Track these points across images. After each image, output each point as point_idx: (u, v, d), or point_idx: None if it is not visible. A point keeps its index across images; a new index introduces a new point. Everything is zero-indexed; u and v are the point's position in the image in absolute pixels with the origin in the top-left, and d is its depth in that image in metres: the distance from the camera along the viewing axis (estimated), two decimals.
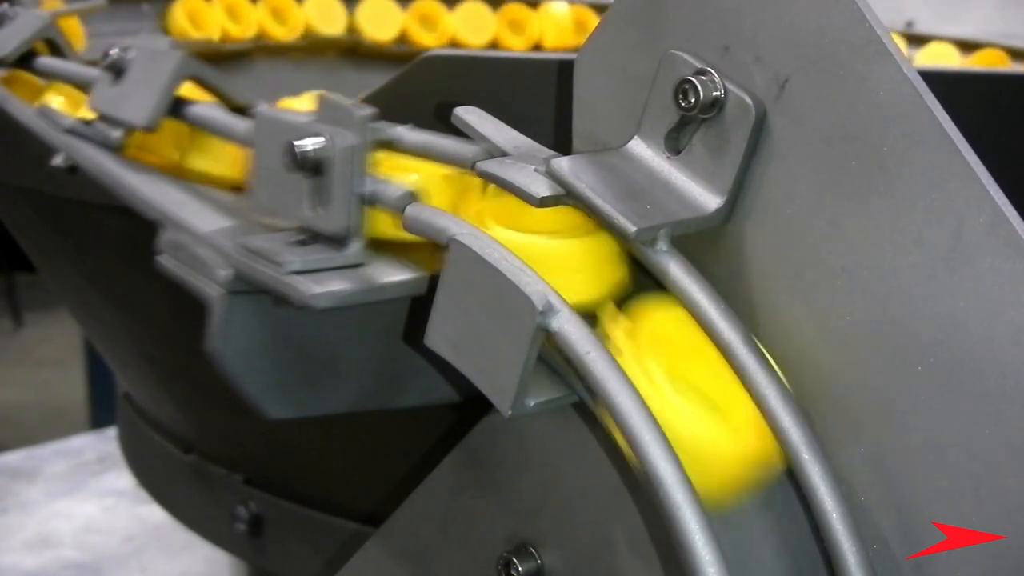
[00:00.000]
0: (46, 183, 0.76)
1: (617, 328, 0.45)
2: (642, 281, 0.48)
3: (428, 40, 1.53)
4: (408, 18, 1.55)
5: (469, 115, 0.52)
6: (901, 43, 1.37)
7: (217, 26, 1.40)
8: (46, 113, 0.70)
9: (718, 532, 0.41)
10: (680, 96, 0.46)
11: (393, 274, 0.51)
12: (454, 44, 1.54)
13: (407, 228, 0.48)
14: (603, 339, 0.44)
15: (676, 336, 0.45)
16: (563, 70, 0.57)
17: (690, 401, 0.44)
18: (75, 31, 1.14)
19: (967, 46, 1.37)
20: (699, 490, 0.41)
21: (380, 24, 1.54)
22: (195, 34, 1.39)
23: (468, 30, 1.56)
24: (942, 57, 1.35)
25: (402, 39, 1.54)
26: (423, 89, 0.64)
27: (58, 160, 0.66)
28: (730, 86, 0.45)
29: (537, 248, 0.46)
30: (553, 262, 0.45)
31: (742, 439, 0.44)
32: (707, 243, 0.47)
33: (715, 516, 0.41)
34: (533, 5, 1.60)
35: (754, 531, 0.45)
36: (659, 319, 0.46)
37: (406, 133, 0.54)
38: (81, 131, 0.67)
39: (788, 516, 0.45)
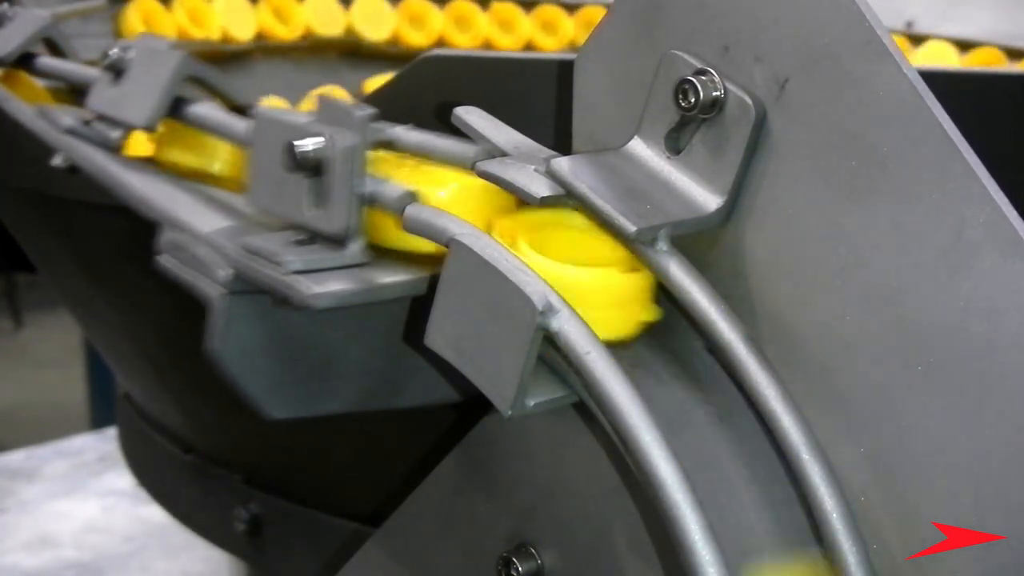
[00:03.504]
0: (46, 183, 0.76)
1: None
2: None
3: (419, 39, 1.53)
4: (399, 18, 1.54)
5: (469, 115, 0.52)
6: (902, 43, 1.37)
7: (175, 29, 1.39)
8: (46, 113, 0.70)
9: (717, 529, 0.41)
10: (680, 96, 0.46)
11: (393, 274, 0.51)
12: (443, 43, 1.54)
13: (407, 228, 0.48)
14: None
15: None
16: (563, 70, 0.57)
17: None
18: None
19: (968, 46, 1.37)
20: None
21: (375, 24, 1.53)
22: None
23: (457, 30, 1.56)
24: (940, 56, 1.35)
25: (394, 39, 1.54)
26: (423, 89, 0.64)
27: (58, 160, 0.66)
28: (730, 86, 0.45)
29: (569, 279, 0.45)
30: (586, 295, 0.45)
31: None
32: (707, 243, 0.47)
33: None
34: (527, 6, 1.60)
35: (756, 532, 0.45)
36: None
37: (406, 133, 0.55)
38: (80, 131, 0.67)
39: (788, 516, 0.45)
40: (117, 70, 0.66)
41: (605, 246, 0.47)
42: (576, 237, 0.47)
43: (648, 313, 0.47)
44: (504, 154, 0.50)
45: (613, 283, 0.46)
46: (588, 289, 0.45)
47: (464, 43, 1.54)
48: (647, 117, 0.47)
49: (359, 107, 0.51)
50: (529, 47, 1.57)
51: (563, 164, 0.47)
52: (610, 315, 0.46)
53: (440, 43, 1.53)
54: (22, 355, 3.35)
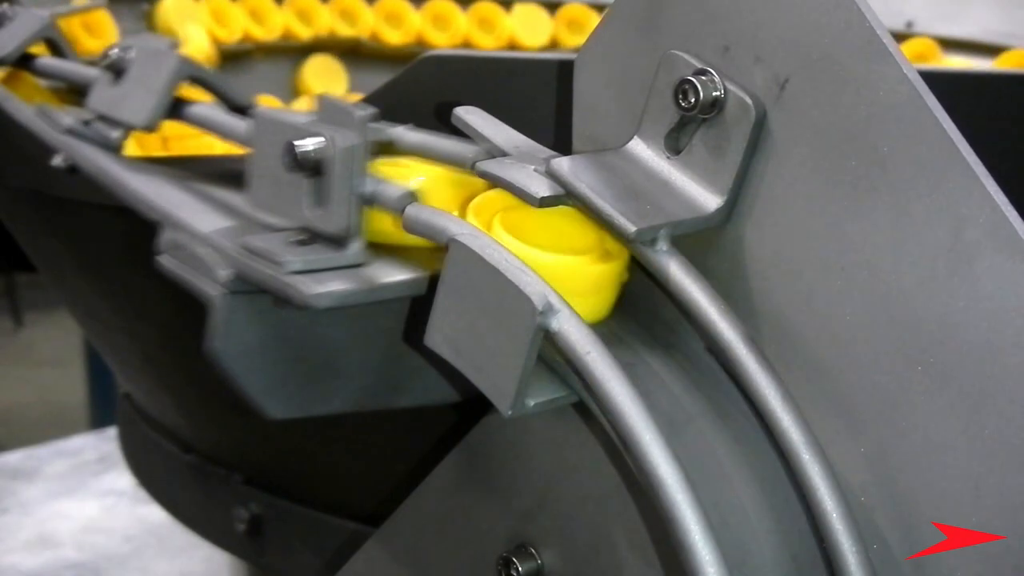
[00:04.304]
0: (46, 183, 0.76)
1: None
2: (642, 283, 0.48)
3: (441, 40, 1.53)
4: (422, 19, 1.55)
5: (469, 115, 0.52)
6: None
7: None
8: (46, 113, 0.70)
9: (717, 529, 0.41)
10: (680, 96, 0.46)
11: (393, 274, 0.51)
12: (468, 45, 1.54)
13: (407, 228, 0.48)
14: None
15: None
16: (563, 70, 0.57)
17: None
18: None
19: (968, 46, 1.37)
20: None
21: (395, 25, 1.54)
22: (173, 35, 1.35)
23: (482, 31, 1.56)
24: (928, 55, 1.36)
25: (417, 41, 1.54)
26: (423, 89, 0.64)
27: (58, 160, 0.66)
28: (730, 86, 0.45)
29: (546, 264, 0.46)
30: (560, 280, 0.45)
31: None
32: (707, 243, 0.47)
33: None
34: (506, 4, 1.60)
35: (756, 532, 0.45)
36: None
37: (406, 133, 0.55)
38: (80, 131, 0.67)
39: (788, 516, 0.45)
40: (117, 70, 0.66)
41: (576, 227, 0.48)
42: (549, 218, 0.48)
43: (615, 296, 0.49)
44: (504, 154, 0.50)
45: (586, 271, 0.47)
46: (562, 275, 0.46)
47: (487, 44, 1.54)
48: (647, 117, 0.47)
49: (359, 107, 0.51)
50: (554, 45, 1.58)
51: (563, 164, 0.47)
52: (584, 302, 0.47)
53: (465, 45, 1.54)
54: (22, 355, 3.35)
